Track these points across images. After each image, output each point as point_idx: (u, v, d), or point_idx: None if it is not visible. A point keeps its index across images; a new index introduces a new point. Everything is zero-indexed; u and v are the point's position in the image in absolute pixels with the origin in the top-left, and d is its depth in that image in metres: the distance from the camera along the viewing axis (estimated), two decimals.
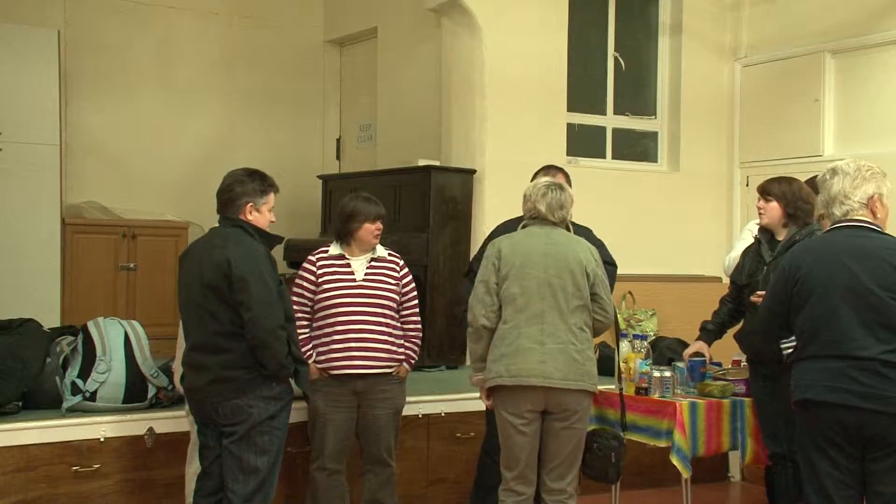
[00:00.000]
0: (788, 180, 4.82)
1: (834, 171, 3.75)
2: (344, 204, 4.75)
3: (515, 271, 4.25)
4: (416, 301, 4.84)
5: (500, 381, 4.22)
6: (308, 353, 4.56)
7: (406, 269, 4.83)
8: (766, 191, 4.81)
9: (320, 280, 4.66)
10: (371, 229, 4.68)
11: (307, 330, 4.65)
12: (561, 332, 4.19)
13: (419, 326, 4.84)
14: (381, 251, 4.79)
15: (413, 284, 4.86)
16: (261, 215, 4.14)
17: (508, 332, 4.23)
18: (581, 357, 4.20)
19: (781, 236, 4.75)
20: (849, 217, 3.69)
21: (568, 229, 4.39)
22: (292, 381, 4.17)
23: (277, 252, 4.33)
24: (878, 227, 3.69)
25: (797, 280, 3.69)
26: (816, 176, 5.09)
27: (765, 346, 4.45)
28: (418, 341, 4.83)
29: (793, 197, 4.71)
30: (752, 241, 4.99)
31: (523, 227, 4.44)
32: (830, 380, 3.56)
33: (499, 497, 4.35)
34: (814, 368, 3.63)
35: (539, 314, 4.20)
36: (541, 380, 4.15)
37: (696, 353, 5.07)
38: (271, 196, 4.18)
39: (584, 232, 4.79)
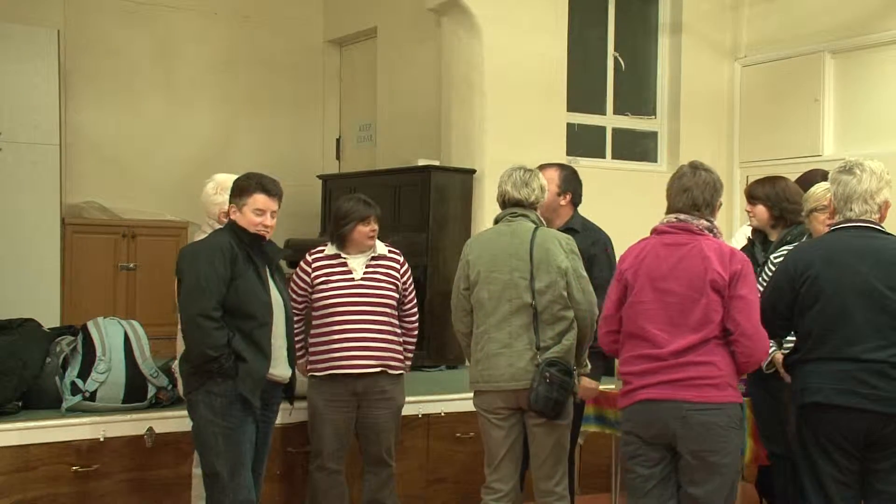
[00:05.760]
0: (773, 181, 4.78)
1: (863, 168, 3.64)
2: (337, 206, 4.70)
3: (483, 276, 4.26)
4: (415, 300, 4.83)
5: (476, 386, 4.34)
6: (300, 354, 4.56)
7: (406, 266, 4.80)
8: (751, 194, 4.79)
9: (315, 281, 4.63)
10: (365, 231, 4.61)
11: (301, 334, 4.61)
12: (528, 333, 4.18)
13: (416, 324, 4.82)
14: (382, 248, 4.74)
15: (412, 282, 4.83)
16: (242, 216, 4.09)
17: (480, 337, 4.28)
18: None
19: (774, 237, 4.74)
20: (862, 218, 3.63)
21: (538, 220, 4.34)
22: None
23: None
24: (881, 227, 3.67)
25: (804, 281, 3.64)
26: (810, 171, 5.09)
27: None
28: (414, 339, 4.82)
29: (776, 199, 4.68)
30: (746, 242, 4.98)
31: (495, 221, 4.41)
32: (839, 383, 3.53)
33: (481, 495, 4.35)
34: (820, 371, 3.59)
35: (506, 317, 4.21)
36: (512, 384, 4.19)
37: None
38: (255, 196, 4.06)
39: (591, 231, 4.85)
